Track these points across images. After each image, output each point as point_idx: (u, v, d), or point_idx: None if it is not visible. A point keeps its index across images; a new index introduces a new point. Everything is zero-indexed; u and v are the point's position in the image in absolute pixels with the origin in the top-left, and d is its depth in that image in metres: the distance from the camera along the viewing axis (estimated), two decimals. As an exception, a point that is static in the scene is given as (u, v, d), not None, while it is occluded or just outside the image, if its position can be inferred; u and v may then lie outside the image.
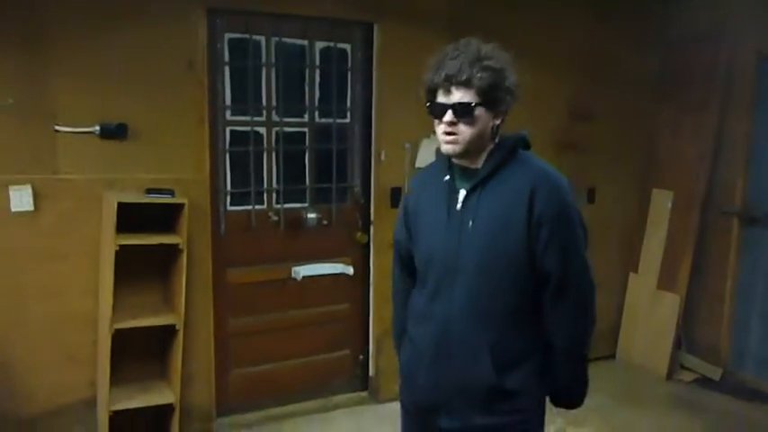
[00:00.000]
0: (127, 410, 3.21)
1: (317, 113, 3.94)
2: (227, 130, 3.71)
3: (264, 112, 3.79)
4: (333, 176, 3.98)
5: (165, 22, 3.40)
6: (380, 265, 4.05)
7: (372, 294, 4.16)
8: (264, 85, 3.76)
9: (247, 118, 3.74)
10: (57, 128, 3.23)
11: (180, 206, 3.30)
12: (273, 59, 3.76)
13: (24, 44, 3.15)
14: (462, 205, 1.86)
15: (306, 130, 3.92)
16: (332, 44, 3.89)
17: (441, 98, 1.82)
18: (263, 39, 3.73)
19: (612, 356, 5.08)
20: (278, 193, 3.87)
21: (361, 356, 4.23)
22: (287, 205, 3.89)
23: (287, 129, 3.86)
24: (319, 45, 3.88)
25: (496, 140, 1.88)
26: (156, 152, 3.44)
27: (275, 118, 3.81)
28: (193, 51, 3.47)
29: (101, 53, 3.27)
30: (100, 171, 3.33)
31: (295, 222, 3.91)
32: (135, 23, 3.33)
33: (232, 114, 3.72)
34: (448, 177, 1.92)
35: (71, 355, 3.33)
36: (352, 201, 4.09)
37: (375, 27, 3.94)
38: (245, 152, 3.75)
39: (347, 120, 4.04)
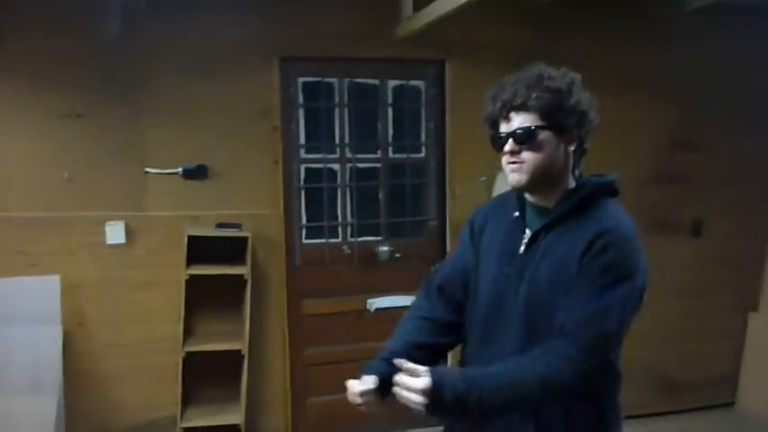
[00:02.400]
0: (198, 428, 3.46)
1: (390, 149, 4.06)
2: (302, 167, 3.93)
3: (338, 149, 3.97)
4: (406, 210, 4.06)
5: (242, 72, 3.72)
6: (455, 299, 4.03)
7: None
8: (338, 123, 3.96)
9: (321, 155, 3.94)
10: (147, 170, 3.63)
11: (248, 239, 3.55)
12: (346, 99, 3.95)
13: (125, 97, 3.60)
14: (526, 248, 1.67)
15: (379, 165, 4.05)
16: (404, 82, 4.02)
17: (502, 128, 1.65)
18: (335, 80, 3.93)
19: (731, 404, 4.60)
20: (352, 226, 4.02)
21: (439, 390, 4.20)
22: (361, 239, 4.02)
23: (360, 165, 4.02)
24: (392, 83, 4.01)
25: (576, 174, 1.68)
26: (233, 190, 3.74)
27: (348, 155, 3.98)
28: (267, 98, 3.76)
29: (185, 103, 3.65)
30: (183, 208, 3.68)
31: (369, 255, 4.02)
32: (215, 76, 3.67)
33: (306, 153, 3.94)
34: (517, 214, 1.72)
35: (158, 375, 3.66)
36: (427, 234, 4.13)
37: (447, 64, 4.01)
38: (319, 188, 3.95)
39: (422, 154, 4.11)
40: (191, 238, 3.42)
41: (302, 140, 3.92)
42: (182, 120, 3.66)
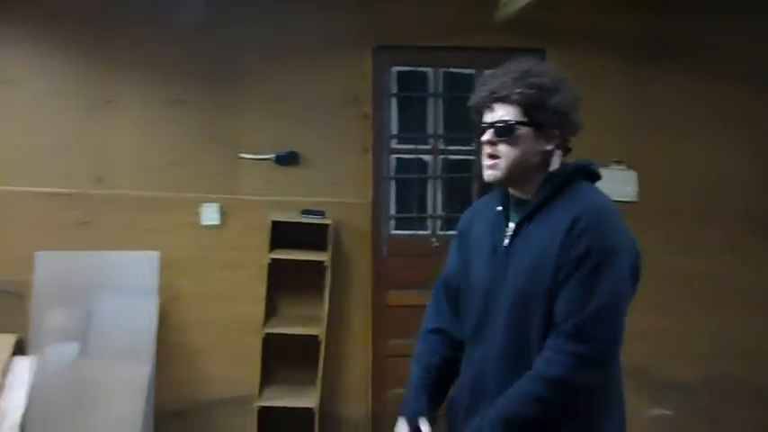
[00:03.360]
0: (277, 408, 3.56)
1: (484, 142, 3.92)
2: (393, 157, 3.91)
3: (430, 140, 3.90)
4: (499, 205, 3.91)
5: (336, 61, 3.77)
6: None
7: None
8: (431, 114, 3.89)
9: (412, 146, 3.90)
10: (241, 155, 3.77)
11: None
12: (440, 89, 3.87)
13: (225, 84, 3.77)
14: (510, 242, 1.68)
15: (472, 157, 3.93)
16: (502, 72, 3.86)
17: (486, 117, 1.67)
18: (429, 70, 3.87)
19: None
20: (442, 219, 3.93)
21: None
22: (450, 232, 3.92)
23: (452, 157, 3.92)
24: (488, 73, 3.86)
25: (551, 170, 1.67)
26: (322, 177, 3.80)
27: (441, 146, 3.90)
28: (360, 87, 3.78)
29: (279, 91, 3.77)
30: (274, 193, 3.79)
31: (457, 249, 3.92)
32: (309, 64, 3.76)
33: (398, 143, 3.91)
34: (500, 208, 1.74)
35: (242, 353, 3.79)
36: (520, 230, 3.95)
37: (547, 54, 3.80)
38: (409, 179, 3.91)
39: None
40: (275, 223, 3.51)
41: (393, 130, 3.89)
42: (276, 107, 3.77)
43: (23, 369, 3.54)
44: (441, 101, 3.89)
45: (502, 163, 1.64)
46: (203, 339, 3.84)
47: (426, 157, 3.93)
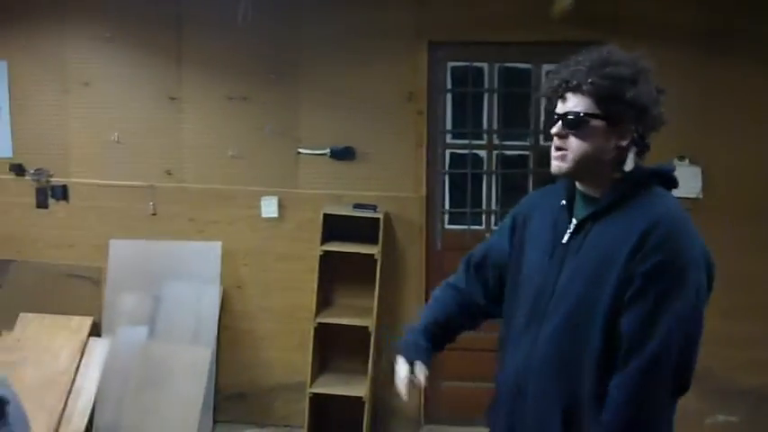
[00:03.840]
0: (326, 395, 3.67)
1: (541, 137, 3.87)
2: (447, 152, 3.93)
3: (485, 135, 3.89)
4: (555, 201, 3.86)
5: (391, 56, 3.82)
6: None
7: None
8: (486, 109, 3.87)
9: (467, 141, 3.90)
10: (299, 150, 3.90)
11: (385, 219, 3.67)
12: (496, 84, 3.85)
13: (283, 81, 3.90)
14: (569, 239, 1.59)
15: (529, 153, 3.89)
16: (560, 66, 3.79)
17: (558, 107, 1.57)
18: (485, 65, 3.85)
19: None
20: (496, 214, 3.92)
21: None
22: (505, 228, 3.91)
23: (508, 152, 3.90)
24: (546, 68, 3.82)
25: (626, 170, 1.56)
26: (377, 172, 3.87)
27: (496, 141, 3.89)
28: (414, 82, 3.81)
29: (336, 86, 3.85)
30: (329, 187, 3.89)
31: (512, 245, 3.90)
32: (364, 61, 3.82)
33: (453, 138, 3.92)
34: (564, 203, 1.64)
35: (299, 341, 3.93)
36: (577, 227, 3.88)
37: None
38: (463, 174, 3.92)
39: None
40: (328, 216, 3.62)
41: (448, 125, 3.91)
42: (333, 102, 3.86)
43: (98, 350, 3.83)
44: (496, 96, 3.86)
45: (570, 155, 1.54)
46: (264, 326, 4.02)
47: (481, 153, 3.92)
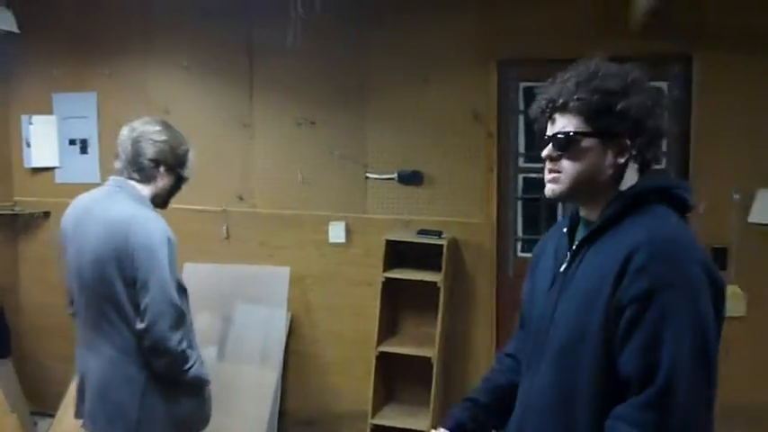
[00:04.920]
0: (387, 428, 3.58)
1: (620, 160, 3.61)
2: (520, 176, 3.74)
3: (561, 158, 3.68)
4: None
5: (458, 77, 3.69)
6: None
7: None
8: (562, 131, 3.66)
9: (541, 165, 3.69)
10: (367, 175, 3.85)
11: (450, 246, 3.55)
12: (572, 104, 3.63)
13: (350, 105, 3.88)
14: (566, 267, 1.50)
15: (607, 177, 3.63)
16: (643, 83, 3.52)
17: (549, 129, 1.51)
18: (560, 84, 3.64)
19: None
20: (572, 242, 3.69)
21: None
22: (581, 256, 3.67)
23: (585, 176, 3.66)
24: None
25: (622, 188, 1.46)
26: (445, 197, 3.75)
27: (572, 165, 3.66)
28: (483, 103, 3.66)
29: (403, 109, 3.78)
30: (397, 212, 3.82)
31: (588, 275, 3.66)
32: (432, 82, 3.73)
33: (525, 162, 3.74)
34: (566, 230, 1.58)
35: (367, 369, 3.85)
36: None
37: (694, 59, 3.40)
38: (537, 199, 3.72)
39: (661, 166, 3.57)
40: (391, 242, 3.54)
41: (521, 149, 3.73)
42: (400, 125, 3.79)
43: (171, 368, 3.94)
44: (572, 116, 3.64)
45: (562, 178, 1.47)
46: (332, 352, 3.99)
47: (556, 177, 3.71)
